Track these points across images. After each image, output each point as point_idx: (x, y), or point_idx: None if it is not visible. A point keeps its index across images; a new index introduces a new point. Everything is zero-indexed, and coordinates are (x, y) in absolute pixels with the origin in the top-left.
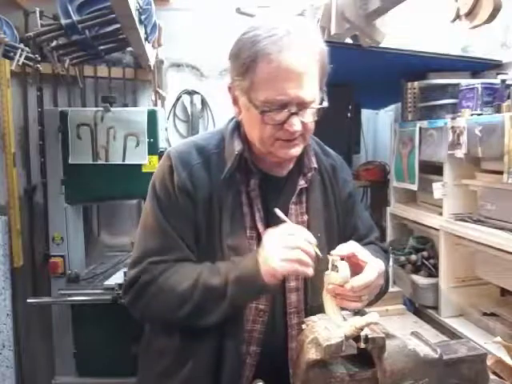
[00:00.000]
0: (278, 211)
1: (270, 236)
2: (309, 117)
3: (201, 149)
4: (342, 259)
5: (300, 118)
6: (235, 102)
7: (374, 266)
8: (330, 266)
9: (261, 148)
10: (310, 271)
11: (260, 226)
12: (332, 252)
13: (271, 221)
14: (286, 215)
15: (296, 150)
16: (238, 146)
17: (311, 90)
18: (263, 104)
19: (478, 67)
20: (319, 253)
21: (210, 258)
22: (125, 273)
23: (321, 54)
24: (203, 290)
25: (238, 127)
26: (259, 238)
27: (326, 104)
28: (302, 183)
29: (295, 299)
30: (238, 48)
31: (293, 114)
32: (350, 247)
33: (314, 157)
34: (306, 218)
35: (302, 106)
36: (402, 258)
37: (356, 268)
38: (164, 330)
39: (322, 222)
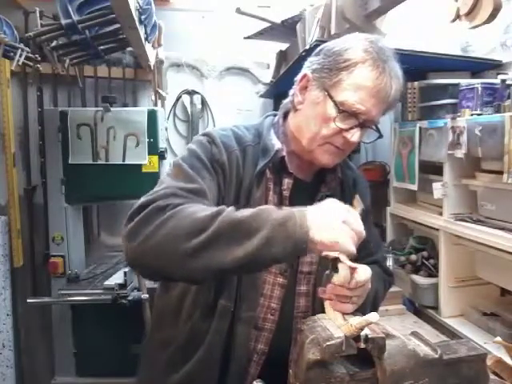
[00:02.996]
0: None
1: (334, 206)
2: (363, 136)
3: (239, 138)
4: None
5: (359, 133)
6: (303, 90)
7: (366, 267)
8: (330, 266)
9: (306, 145)
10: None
11: None
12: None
13: None
14: None
15: (337, 160)
16: (277, 144)
17: (379, 115)
18: (342, 104)
19: (478, 67)
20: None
21: None
22: (125, 273)
23: (398, 96)
24: (231, 219)
25: (274, 125)
26: None
27: (380, 135)
28: (324, 190)
29: (303, 304)
30: (347, 46)
31: (358, 125)
32: (366, 273)
33: (339, 167)
34: None
35: (367, 123)
36: (402, 258)
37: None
38: (170, 320)
39: None
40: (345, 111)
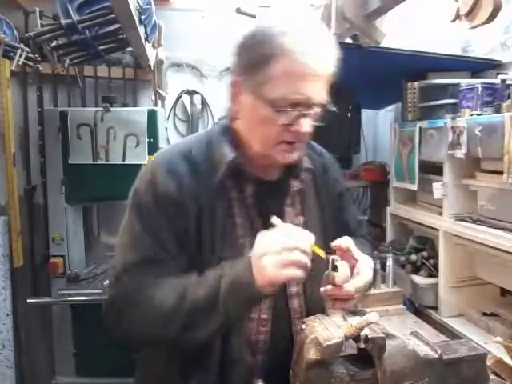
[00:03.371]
0: (275, 220)
1: (264, 238)
2: (314, 120)
3: (187, 155)
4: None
5: (308, 120)
6: (235, 98)
7: (367, 265)
8: (330, 266)
9: (261, 150)
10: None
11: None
12: (331, 245)
13: (269, 227)
14: (282, 218)
15: (296, 155)
16: (230, 153)
17: (324, 94)
18: (275, 102)
19: (478, 67)
20: (320, 251)
21: (200, 270)
22: None
23: (337, 60)
24: (192, 303)
25: (226, 131)
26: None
27: (333, 108)
28: (295, 184)
29: (297, 305)
30: (255, 41)
31: (303, 114)
32: (347, 242)
33: (306, 157)
34: (301, 219)
35: (312, 107)
36: (402, 258)
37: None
38: (161, 356)
39: (317, 222)
40: (282, 107)
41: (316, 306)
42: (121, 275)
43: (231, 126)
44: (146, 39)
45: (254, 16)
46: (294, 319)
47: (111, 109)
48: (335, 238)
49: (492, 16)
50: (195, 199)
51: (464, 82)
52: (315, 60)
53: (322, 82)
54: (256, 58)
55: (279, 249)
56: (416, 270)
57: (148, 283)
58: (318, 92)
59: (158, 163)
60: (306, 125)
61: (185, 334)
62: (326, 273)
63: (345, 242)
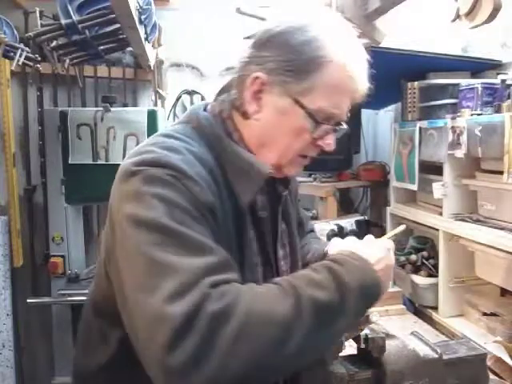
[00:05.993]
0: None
1: (380, 248)
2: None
3: (199, 158)
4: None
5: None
6: (255, 97)
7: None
8: None
9: (274, 160)
10: None
11: (280, 250)
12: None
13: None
14: (277, 227)
15: (301, 169)
16: (263, 164)
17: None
18: (315, 113)
19: (478, 67)
20: None
21: None
22: None
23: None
24: (313, 307)
25: (220, 127)
26: (266, 264)
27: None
28: (281, 189)
29: None
30: (301, 41)
31: (334, 130)
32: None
33: None
34: (284, 226)
35: (341, 124)
36: (402, 258)
37: None
38: None
39: (295, 225)
40: (322, 119)
41: None
42: (193, 284)
43: (230, 122)
44: (146, 39)
45: (253, 16)
46: None
47: (111, 109)
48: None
49: (492, 16)
50: (221, 210)
51: (464, 81)
52: (359, 75)
53: (352, 99)
54: (305, 61)
55: (385, 255)
56: (416, 270)
57: (238, 289)
58: (348, 108)
59: (177, 162)
60: (333, 142)
61: (308, 348)
62: None
63: (333, 247)
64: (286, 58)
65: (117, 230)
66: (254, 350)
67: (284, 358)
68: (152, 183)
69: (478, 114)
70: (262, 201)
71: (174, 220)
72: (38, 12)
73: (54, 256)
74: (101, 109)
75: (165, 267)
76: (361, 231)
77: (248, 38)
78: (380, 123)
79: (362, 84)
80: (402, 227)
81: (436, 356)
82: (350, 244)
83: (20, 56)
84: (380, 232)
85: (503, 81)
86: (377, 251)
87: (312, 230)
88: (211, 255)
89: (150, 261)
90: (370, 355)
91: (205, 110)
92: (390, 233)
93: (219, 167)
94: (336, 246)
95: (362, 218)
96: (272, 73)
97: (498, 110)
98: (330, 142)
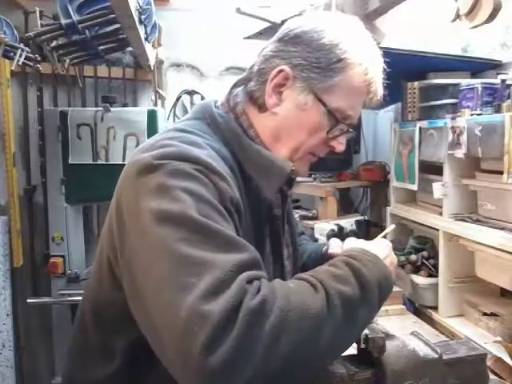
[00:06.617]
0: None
1: (383, 246)
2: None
3: (221, 154)
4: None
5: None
6: (277, 90)
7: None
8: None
9: (286, 154)
10: None
11: (284, 249)
12: (330, 252)
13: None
14: (284, 225)
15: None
16: (286, 162)
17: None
18: (335, 111)
19: (478, 67)
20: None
21: None
22: None
23: None
24: (341, 301)
25: (231, 123)
26: (275, 263)
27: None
28: (286, 189)
29: None
30: (338, 39)
31: (347, 131)
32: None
33: None
34: (287, 226)
35: (353, 126)
36: (402, 258)
37: None
38: None
39: (295, 226)
40: (341, 119)
41: None
42: (230, 279)
43: (244, 117)
44: (146, 39)
45: (253, 16)
46: None
47: (111, 109)
48: None
49: (492, 16)
50: (247, 213)
51: (464, 81)
52: (376, 82)
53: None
54: (332, 60)
55: (389, 252)
56: (416, 269)
57: (273, 285)
58: (360, 112)
59: (202, 156)
60: (344, 143)
61: (338, 341)
62: None
63: (335, 246)
64: (315, 56)
65: (130, 228)
66: (293, 345)
67: (319, 352)
68: (178, 177)
69: (478, 114)
70: (277, 198)
71: (203, 215)
72: (37, 12)
73: (54, 256)
74: (101, 109)
75: (198, 264)
76: (361, 231)
77: (248, 37)
78: (380, 123)
79: (378, 90)
80: (392, 226)
81: (436, 356)
82: (354, 243)
83: (20, 56)
84: (380, 232)
85: (503, 81)
86: (382, 249)
87: (303, 233)
88: (244, 252)
89: (179, 258)
90: (370, 355)
91: (215, 106)
92: (382, 233)
93: (237, 164)
94: (338, 246)
95: (361, 217)
96: (297, 68)
97: (498, 110)
98: (343, 142)
